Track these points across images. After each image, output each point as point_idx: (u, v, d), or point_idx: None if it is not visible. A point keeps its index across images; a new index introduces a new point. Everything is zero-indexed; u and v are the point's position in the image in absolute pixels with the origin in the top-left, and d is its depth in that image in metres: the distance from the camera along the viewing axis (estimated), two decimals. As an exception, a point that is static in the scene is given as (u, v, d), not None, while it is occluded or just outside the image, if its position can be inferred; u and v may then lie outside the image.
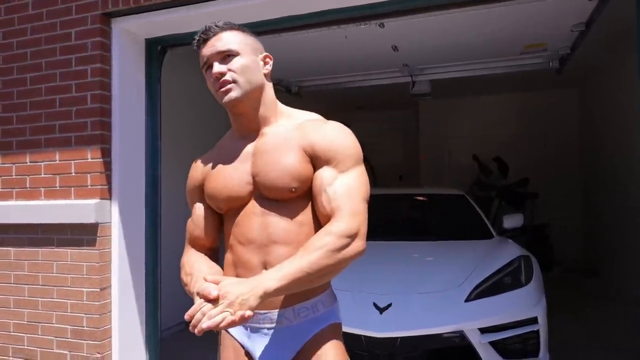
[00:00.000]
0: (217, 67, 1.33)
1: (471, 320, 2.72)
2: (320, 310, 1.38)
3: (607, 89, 5.92)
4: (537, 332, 2.83)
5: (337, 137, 1.34)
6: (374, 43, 4.39)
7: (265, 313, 1.34)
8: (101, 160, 2.97)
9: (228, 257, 1.41)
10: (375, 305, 2.78)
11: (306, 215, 1.36)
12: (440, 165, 8.37)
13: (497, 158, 7.47)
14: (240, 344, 1.40)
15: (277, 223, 1.33)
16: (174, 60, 3.91)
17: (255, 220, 1.35)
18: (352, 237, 1.23)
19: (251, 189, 1.36)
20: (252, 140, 1.41)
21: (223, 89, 1.33)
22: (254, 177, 1.36)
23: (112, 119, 3.05)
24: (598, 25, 3.94)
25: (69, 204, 2.98)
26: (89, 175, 2.97)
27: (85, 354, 2.94)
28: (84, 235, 2.95)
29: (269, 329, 1.35)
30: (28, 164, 3.12)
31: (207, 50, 1.36)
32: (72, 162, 3.01)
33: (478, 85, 7.16)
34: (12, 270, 3.12)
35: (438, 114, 8.40)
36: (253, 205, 1.36)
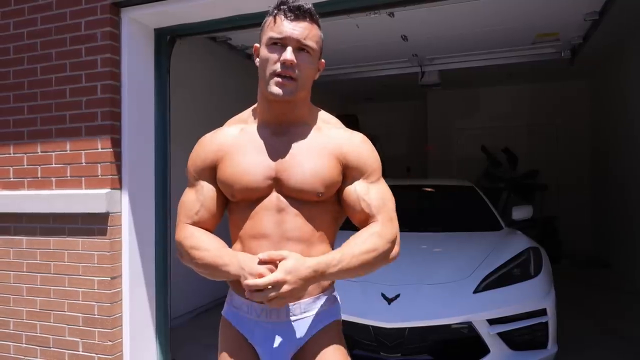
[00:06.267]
0: (291, 55, 1.25)
1: (480, 312, 2.72)
2: (325, 306, 1.39)
3: (619, 81, 5.84)
4: (546, 323, 2.82)
5: (368, 151, 1.38)
6: (384, 33, 4.36)
7: (273, 307, 1.32)
8: (111, 150, 2.98)
9: (237, 248, 1.38)
10: (383, 295, 2.78)
11: (323, 217, 1.37)
12: (449, 157, 8.32)
13: (506, 149, 7.42)
14: (243, 336, 1.39)
15: (294, 221, 1.32)
16: (183, 49, 3.91)
17: (271, 215, 1.32)
18: (394, 242, 1.31)
19: (271, 184, 1.33)
20: (280, 134, 1.36)
21: (282, 79, 1.26)
22: (277, 173, 1.32)
23: (121, 109, 3.07)
24: (611, 15, 3.89)
25: (80, 193, 3.00)
26: (99, 165, 2.99)
27: (96, 342, 2.98)
28: (94, 224, 2.98)
29: (274, 323, 1.35)
30: (39, 153, 3.14)
31: (290, 29, 1.27)
32: (83, 152, 3.03)
33: (487, 76, 7.10)
34: (25, 259, 3.16)
35: (447, 105, 8.35)
36: (271, 200, 1.33)
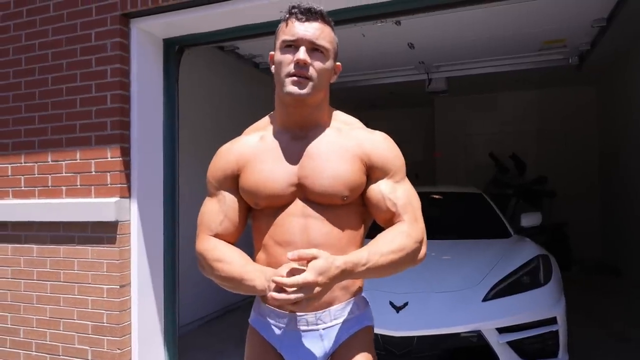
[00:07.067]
0: (305, 55, 1.24)
1: (489, 320, 2.70)
2: (355, 312, 1.36)
3: (627, 86, 5.80)
4: (556, 332, 2.80)
5: (391, 149, 1.37)
6: (390, 41, 4.37)
7: (302, 315, 1.30)
8: (120, 159, 3.01)
9: (262, 256, 1.35)
10: (391, 304, 2.77)
11: (349, 221, 1.34)
12: (457, 164, 8.29)
13: (513, 155, 7.38)
14: (271, 344, 1.35)
15: (320, 227, 1.30)
16: (191, 59, 3.94)
17: (296, 221, 1.30)
18: (421, 243, 1.29)
19: (295, 190, 1.31)
20: (300, 139, 1.34)
21: (297, 79, 1.25)
22: (300, 179, 1.31)
23: (131, 118, 3.10)
24: (619, 21, 3.87)
25: (90, 202, 3.03)
26: (108, 174, 3.02)
27: (105, 350, 2.99)
28: (104, 233, 3.00)
29: (304, 330, 1.31)
30: (50, 162, 3.18)
31: (302, 30, 1.26)
32: (93, 161, 3.06)
33: (495, 83, 7.09)
34: (35, 267, 3.19)
35: (454, 111, 8.33)
36: (295, 206, 1.31)
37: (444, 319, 2.70)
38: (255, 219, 1.39)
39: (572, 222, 7.09)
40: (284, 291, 1.12)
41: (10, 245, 3.27)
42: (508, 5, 3.34)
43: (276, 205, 1.32)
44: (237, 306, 5.30)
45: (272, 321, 1.35)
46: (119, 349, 2.97)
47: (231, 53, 4.92)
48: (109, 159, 3.02)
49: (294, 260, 1.15)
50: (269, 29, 3.14)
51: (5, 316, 3.28)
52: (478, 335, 2.66)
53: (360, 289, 1.40)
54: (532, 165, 7.43)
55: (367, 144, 1.34)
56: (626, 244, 6.06)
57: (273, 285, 1.15)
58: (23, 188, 3.25)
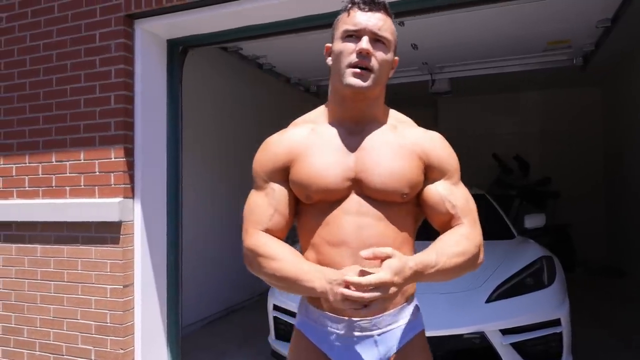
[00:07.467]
0: (368, 44, 1.20)
1: (492, 321, 2.69)
2: (409, 317, 1.30)
3: (631, 87, 5.78)
4: (560, 334, 2.78)
5: (448, 150, 1.34)
6: (394, 41, 4.36)
7: (356, 321, 1.24)
8: (124, 159, 3.02)
9: (311, 256, 1.27)
10: (394, 305, 2.76)
11: (404, 222, 1.29)
12: (460, 164, 8.24)
13: (517, 157, 7.37)
14: (319, 349, 1.29)
15: (375, 226, 1.23)
16: (194, 60, 3.95)
17: (350, 220, 1.23)
18: (480, 247, 1.26)
19: (350, 185, 1.25)
20: (356, 133, 1.29)
21: (359, 70, 1.20)
22: (357, 173, 1.24)
23: (135, 119, 3.11)
24: (623, 22, 3.86)
25: (93, 202, 3.04)
26: (112, 174, 3.03)
27: (108, 350, 3.00)
28: (107, 233, 3.01)
29: (357, 337, 1.25)
30: (54, 163, 3.19)
31: (365, 20, 1.22)
32: (97, 161, 3.07)
33: (498, 83, 7.07)
34: (39, 267, 3.20)
35: (457, 112, 8.31)
36: (350, 203, 1.25)
37: (447, 320, 2.70)
38: (302, 215, 1.32)
39: (576, 224, 7.06)
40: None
41: (14, 245, 3.29)
42: (512, 6, 3.33)
43: (329, 199, 1.25)
44: (240, 306, 5.31)
45: (324, 326, 1.28)
46: (122, 349, 2.98)
47: (235, 54, 4.93)
48: (113, 160, 3.03)
49: (368, 258, 1.09)
50: (272, 30, 3.16)
51: (9, 316, 3.29)
52: (481, 336, 2.65)
53: (412, 294, 1.36)
54: (536, 166, 7.41)
55: (425, 143, 1.31)
56: (631, 246, 6.03)
57: (337, 288, 1.09)
58: (27, 188, 3.27)
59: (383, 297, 1.06)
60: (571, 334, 2.87)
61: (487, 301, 2.81)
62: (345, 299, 1.07)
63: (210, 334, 4.40)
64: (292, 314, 3.10)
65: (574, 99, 7.49)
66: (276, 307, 3.23)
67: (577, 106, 7.50)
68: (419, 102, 8.03)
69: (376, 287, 1.05)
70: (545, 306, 2.85)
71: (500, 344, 2.65)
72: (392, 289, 1.07)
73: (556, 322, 2.79)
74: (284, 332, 3.19)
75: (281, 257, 1.22)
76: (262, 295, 5.22)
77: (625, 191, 6.20)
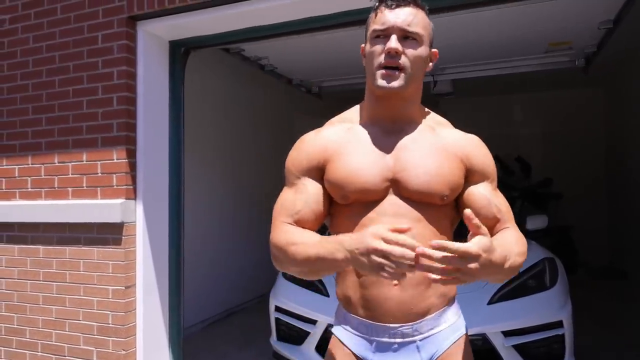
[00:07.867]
0: (396, 43, 1.17)
1: (494, 323, 2.69)
2: (450, 320, 1.27)
3: (634, 88, 5.77)
4: (563, 336, 2.78)
5: (489, 154, 1.31)
6: (395, 43, 4.36)
7: (397, 327, 1.20)
8: (126, 160, 3.02)
9: None
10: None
11: (442, 226, 1.24)
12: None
13: (518, 158, 7.36)
14: (357, 356, 1.25)
15: (414, 228, 1.15)
16: (196, 61, 3.96)
17: (386, 222, 1.16)
18: (525, 253, 1.18)
19: (388, 186, 1.21)
20: (392, 134, 1.26)
21: (389, 71, 1.18)
22: (396, 174, 1.21)
23: (137, 120, 3.11)
24: (628, 23, 3.85)
25: (96, 203, 3.05)
26: (114, 175, 3.03)
27: (110, 351, 3.00)
28: (109, 234, 3.02)
29: (399, 344, 1.20)
30: (56, 164, 3.20)
31: (392, 17, 1.19)
32: (99, 162, 3.08)
33: (501, 84, 7.06)
34: (41, 268, 3.21)
35: (460, 113, 8.28)
36: (387, 204, 1.20)
37: (449, 322, 2.69)
38: (336, 217, 1.28)
39: (579, 225, 7.05)
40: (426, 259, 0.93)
41: (16, 246, 3.29)
42: (513, 7, 3.32)
43: (366, 200, 1.21)
44: (240, 308, 5.31)
45: (363, 334, 1.23)
46: (124, 350, 2.98)
47: (237, 55, 4.93)
48: (115, 161, 3.04)
49: (437, 248, 0.93)
50: (274, 31, 3.16)
51: (12, 317, 3.30)
52: (483, 338, 2.65)
53: (454, 297, 1.32)
54: (538, 167, 7.40)
55: (467, 146, 1.28)
56: (633, 247, 6.02)
57: (368, 240, 0.98)
58: (29, 189, 3.28)
59: (464, 271, 0.93)
60: (573, 335, 2.86)
61: (489, 303, 2.81)
62: (384, 257, 0.96)
63: (211, 336, 4.40)
64: (293, 315, 3.10)
65: (576, 101, 7.48)
66: (278, 309, 3.23)
67: (579, 107, 7.49)
68: (421, 103, 8.04)
69: (460, 256, 0.92)
70: (547, 308, 2.85)
71: (502, 346, 2.64)
72: (474, 265, 0.94)
73: (558, 324, 2.78)
74: (286, 333, 3.19)
75: (300, 241, 1.16)
76: (262, 296, 5.23)
77: (628, 192, 6.18)
